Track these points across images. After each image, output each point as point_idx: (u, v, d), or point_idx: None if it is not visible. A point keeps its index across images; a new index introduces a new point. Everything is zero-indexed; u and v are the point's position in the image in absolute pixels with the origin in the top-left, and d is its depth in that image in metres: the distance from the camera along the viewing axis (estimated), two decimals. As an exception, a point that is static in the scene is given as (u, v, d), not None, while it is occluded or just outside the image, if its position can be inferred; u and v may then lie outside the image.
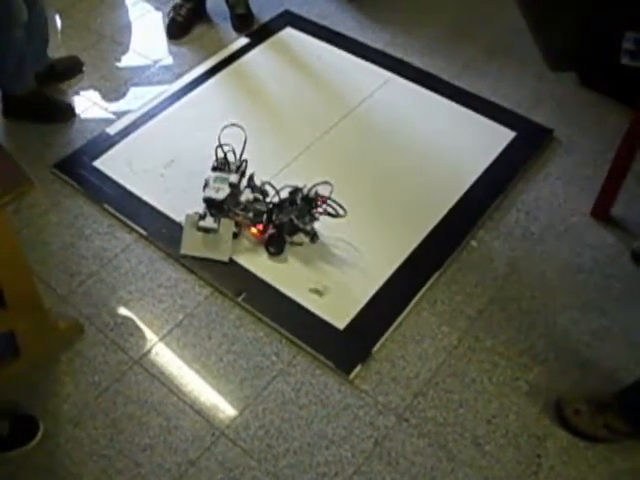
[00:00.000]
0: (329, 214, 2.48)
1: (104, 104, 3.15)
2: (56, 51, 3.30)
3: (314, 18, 3.55)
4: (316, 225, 2.52)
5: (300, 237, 2.53)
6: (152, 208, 2.67)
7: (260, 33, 3.48)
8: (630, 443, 2.04)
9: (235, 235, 2.52)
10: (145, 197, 2.71)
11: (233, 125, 2.61)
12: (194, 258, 2.49)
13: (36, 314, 2.17)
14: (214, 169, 2.57)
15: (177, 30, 3.50)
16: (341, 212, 2.47)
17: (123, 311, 2.40)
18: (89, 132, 3.00)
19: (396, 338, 2.31)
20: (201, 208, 2.50)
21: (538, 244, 2.56)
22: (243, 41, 3.43)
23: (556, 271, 2.48)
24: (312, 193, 2.47)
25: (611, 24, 2.42)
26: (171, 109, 3.08)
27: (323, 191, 2.48)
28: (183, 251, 2.52)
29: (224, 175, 2.51)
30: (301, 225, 2.48)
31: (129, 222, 2.64)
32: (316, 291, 2.40)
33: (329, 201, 2.47)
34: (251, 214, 2.50)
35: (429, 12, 3.60)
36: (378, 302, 2.37)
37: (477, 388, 2.19)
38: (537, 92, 3.13)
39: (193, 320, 2.37)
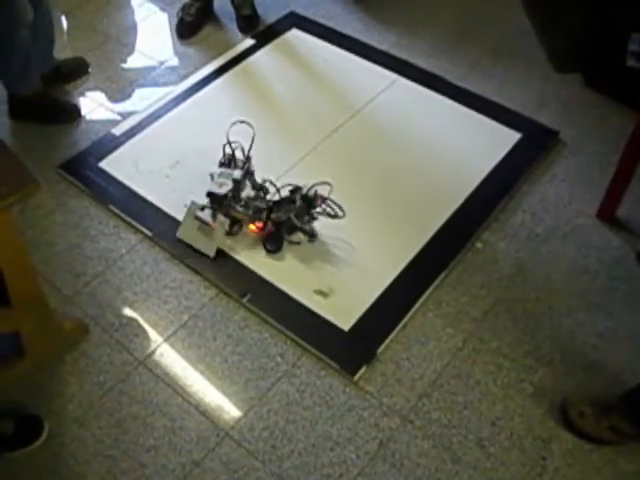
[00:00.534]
0: (328, 215, 2.48)
1: (110, 105, 3.16)
2: (62, 52, 3.31)
3: (320, 19, 3.55)
4: (322, 225, 2.52)
5: (298, 236, 2.53)
6: (157, 209, 2.67)
7: (266, 34, 3.48)
8: (635, 445, 2.04)
9: (235, 232, 2.54)
10: (150, 198, 2.71)
11: (242, 122, 2.61)
12: (196, 255, 2.50)
13: (41, 314, 2.17)
14: (221, 165, 2.58)
15: (186, 29, 3.51)
16: (340, 213, 2.47)
17: (128, 312, 2.40)
18: (95, 133, 3.01)
19: (401, 339, 2.30)
20: (207, 201, 2.52)
21: (543, 245, 2.55)
22: (249, 42, 3.43)
23: (561, 273, 2.47)
24: (311, 193, 2.47)
25: (616, 26, 2.42)
26: (177, 110, 3.09)
27: (323, 191, 2.48)
28: (178, 235, 2.55)
29: (229, 171, 2.52)
30: (299, 224, 2.48)
31: (134, 223, 2.64)
32: (321, 292, 2.40)
33: (328, 201, 2.47)
34: (251, 211, 2.51)
35: (434, 13, 3.60)
36: (383, 303, 2.37)
37: (482, 390, 2.18)
38: (542, 93, 3.12)
39: (198, 321, 2.37)
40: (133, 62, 3.39)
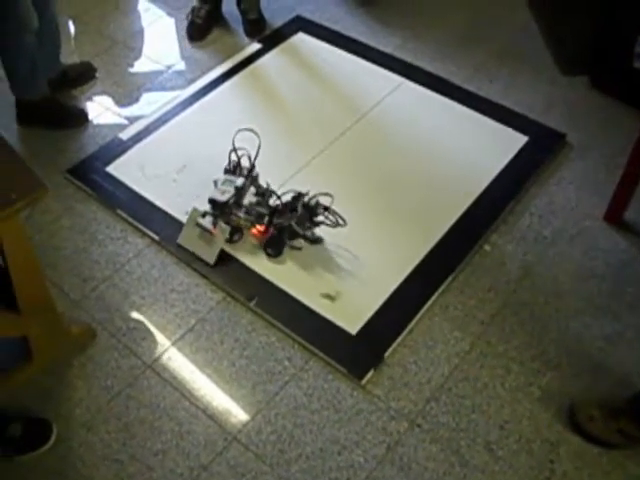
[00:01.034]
0: (330, 223, 2.48)
1: (117, 110, 3.17)
2: (69, 57, 3.32)
3: (326, 23, 3.56)
4: (327, 229, 2.51)
5: (300, 242, 2.54)
6: (165, 213, 2.68)
7: (272, 38, 3.49)
8: (644, 449, 2.04)
9: (236, 240, 2.54)
10: (157, 202, 2.71)
11: (248, 130, 2.61)
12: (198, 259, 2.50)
13: (49, 319, 2.18)
14: (226, 171, 2.59)
15: (197, 32, 3.53)
16: (341, 222, 2.47)
17: (136, 316, 2.41)
18: (102, 138, 3.02)
19: (408, 343, 2.30)
20: (209, 208, 2.52)
21: (551, 248, 2.55)
22: (255, 46, 3.43)
23: (569, 275, 2.47)
24: (313, 202, 2.47)
25: (624, 28, 2.42)
26: (183, 114, 3.09)
27: (325, 201, 2.47)
28: (179, 241, 2.56)
29: (232, 178, 2.53)
30: (301, 231, 2.49)
31: (142, 227, 2.65)
32: (328, 296, 2.40)
33: (330, 211, 2.47)
34: (253, 217, 2.51)
35: (440, 16, 3.60)
36: (390, 307, 2.37)
37: (490, 393, 2.18)
38: (549, 96, 3.12)
39: (205, 325, 2.37)
40: (140, 66, 3.40)
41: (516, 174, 2.77)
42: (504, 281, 2.46)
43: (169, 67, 3.38)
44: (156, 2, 3.79)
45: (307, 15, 3.62)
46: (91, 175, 2.84)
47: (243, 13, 3.56)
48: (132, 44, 3.53)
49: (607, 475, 2.00)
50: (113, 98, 3.23)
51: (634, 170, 2.46)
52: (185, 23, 3.56)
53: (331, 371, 2.25)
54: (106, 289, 2.49)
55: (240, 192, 2.50)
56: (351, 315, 2.35)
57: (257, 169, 2.59)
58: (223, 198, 2.46)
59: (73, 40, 3.56)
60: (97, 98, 3.23)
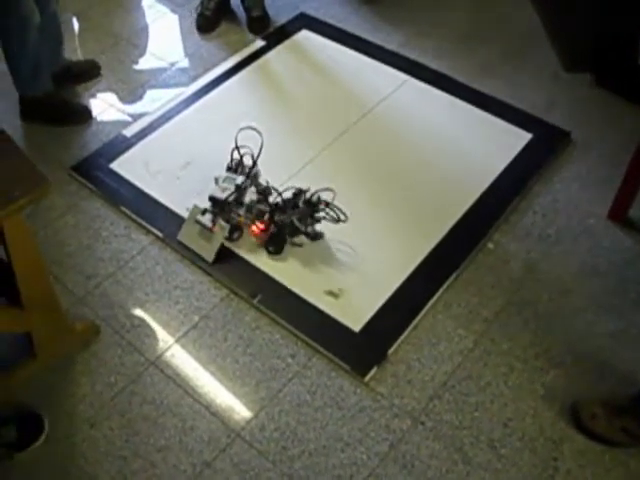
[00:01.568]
0: (331, 218, 2.48)
1: (121, 106, 3.17)
2: (73, 54, 3.33)
3: (330, 20, 3.56)
4: (330, 226, 2.51)
5: (301, 239, 2.53)
6: (168, 210, 2.68)
7: (276, 35, 3.49)
8: (647, 447, 2.03)
9: (236, 238, 2.54)
10: (161, 199, 2.72)
11: (250, 129, 2.61)
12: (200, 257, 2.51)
13: (53, 315, 2.18)
14: (228, 169, 2.59)
15: (206, 24, 3.55)
16: (342, 217, 2.47)
17: (139, 313, 2.41)
18: (106, 134, 3.02)
19: (412, 341, 2.30)
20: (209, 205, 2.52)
21: (555, 246, 2.55)
22: (259, 43, 3.43)
23: (573, 273, 2.47)
24: (314, 198, 2.47)
25: (627, 25, 2.41)
26: (187, 111, 3.09)
27: (327, 197, 2.47)
28: (179, 237, 2.56)
29: (233, 176, 2.53)
30: (302, 228, 2.48)
31: (145, 224, 2.65)
32: (331, 293, 2.40)
33: (331, 206, 2.47)
34: (253, 215, 2.51)
35: (443, 14, 3.60)
36: (394, 304, 2.37)
37: (493, 391, 2.18)
38: (553, 93, 3.12)
39: (209, 322, 2.38)
40: (144, 63, 3.40)
41: (520, 172, 2.77)
42: (508, 279, 2.46)
43: (173, 64, 3.38)
44: (160, -1, 3.80)
45: (311, 12, 3.62)
46: (95, 172, 2.84)
47: (247, 10, 3.56)
48: (136, 41, 3.53)
49: (610, 473, 2.00)
50: (117, 95, 3.23)
51: (638, 168, 2.46)
52: (189, 19, 3.58)
53: (334, 368, 2.25)
54: (110, 286, 2.49)
55: (241, 190, 2.50)
56: (354, 312, 2.35)
57: (259, 167, 2.59)
58: (223, 196, 2.46)
59: (77, 37, 3.56)
60: (101, 95, 3.23)
